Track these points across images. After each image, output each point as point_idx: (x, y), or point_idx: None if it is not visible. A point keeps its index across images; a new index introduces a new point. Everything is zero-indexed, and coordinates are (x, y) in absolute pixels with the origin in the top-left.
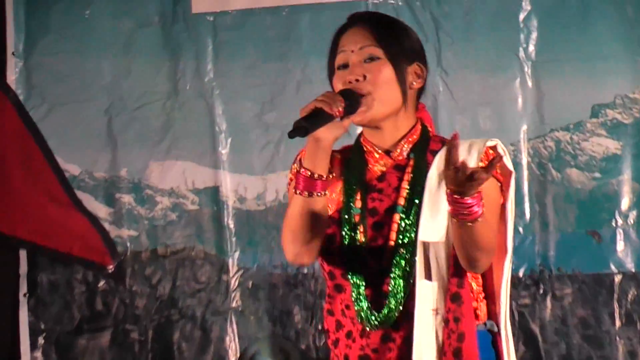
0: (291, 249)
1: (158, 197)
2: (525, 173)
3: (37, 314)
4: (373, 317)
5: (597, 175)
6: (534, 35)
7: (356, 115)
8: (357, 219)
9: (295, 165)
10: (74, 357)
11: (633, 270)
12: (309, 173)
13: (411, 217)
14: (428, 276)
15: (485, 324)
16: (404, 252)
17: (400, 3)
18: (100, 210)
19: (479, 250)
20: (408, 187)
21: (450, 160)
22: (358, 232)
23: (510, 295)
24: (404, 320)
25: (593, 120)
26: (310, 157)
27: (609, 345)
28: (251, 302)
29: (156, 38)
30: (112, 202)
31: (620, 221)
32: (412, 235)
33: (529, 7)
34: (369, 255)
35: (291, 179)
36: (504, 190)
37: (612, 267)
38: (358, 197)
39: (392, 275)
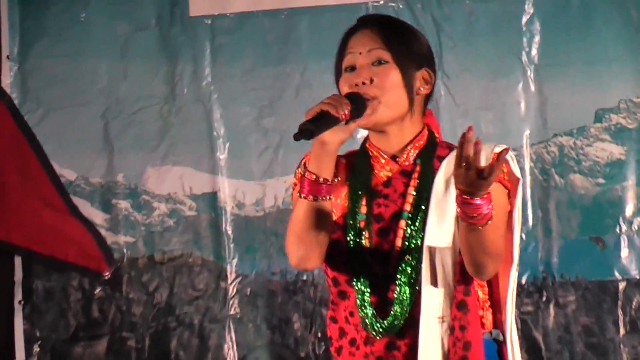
0: (295, 253)
1: (155, 203)
2: (528, 179)
3: (32, 321)
4: (378, 324)
5: (601, 180)
6: (537, 38)
7: (361, 118)
8: (362, 224)
9: (300, 169)
10: None
11: (637, 277)
12: (314, 177)
13: (417, 223)
14: (434, 282)
15: (491, 332)
16: (410, 258)
17: (401, 5)
18: (97, 216)
19: (486, 255)
20: (414, 193)
21: (461, 155)
22: (363, 237)
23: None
24: (409, 327)
25: (597, 125)
26: (316, 160)
27: (613, 353)
28: (249, 310)
29: (153, 41)
30: (109, 208)
31: (624, 227)
32: (418, 241)
33: (531, 10)
34: (374, 262)
35: (295, 184)
36: (511, 197)
37: (616, 273)
38: (363, 202)
39: (397, 281)
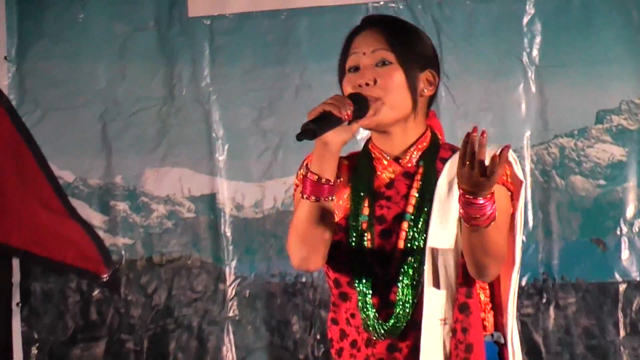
0: (297, 254)
1: (154, 204)
2: (529, 180)
3: (30, 323)
4: (380, 326)
5: (602, 182)
6: (538, 39)
7: (364, 119)
8: (364, 226)
9: (302, 170)
10: None
11: (638, 279)
12: (317, 177)
13: (419, 225)
14: (436, 284)
15: (492, 335)
16: (412, 260)
17: (401, 6)
18: (95, 218)
19: (488, 256)
20: (417, 195)
21: (465, 154)
22: (365, 239)
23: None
24: (411, 329)
25: (598, 126)
26: (318, 161)
27: (614, 355)
28: (248, 312)
29: (152, 42)
30: (107, 209)
31: (625, 229)
32: (421, 243)
33: (532, 11)
34: (376, 263)
35: (297, 185)
36: (513, 199)
37: (617, 275)
38: (366, 204)
39: (399, 283)
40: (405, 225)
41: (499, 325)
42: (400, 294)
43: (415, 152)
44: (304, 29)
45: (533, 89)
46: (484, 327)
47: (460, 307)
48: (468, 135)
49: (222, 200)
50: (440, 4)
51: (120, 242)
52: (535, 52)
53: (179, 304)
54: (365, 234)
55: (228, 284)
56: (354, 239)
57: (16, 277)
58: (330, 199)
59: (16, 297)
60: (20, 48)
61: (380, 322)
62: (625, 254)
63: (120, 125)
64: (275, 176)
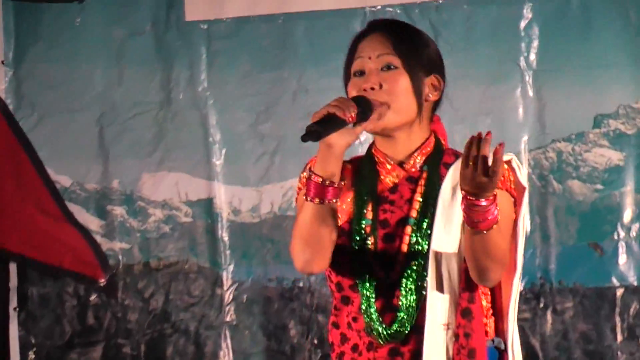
0: (301, 256)
1: (151, 209)
2: (526, 184)
3: (27, 328)
4: (384, 331)
5: (599, 186)
6: (535, 43)
7: (369, 123)
8: (367, 230)
9: (305, 173)
10: None
11: (635, 283)
12: (320, 179)
13: (423, 230)
14: (440, 288)
15: (493, 340)
16: (415, 264)
17: (398, 11)
18: (92, 222)
19: (490, 260)
20: (421, 200)
21: (468, 155)
22: (368, 243)
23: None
24: (413, 334)
25: (595, 130)
26: (322, 163)
27: None
28: (246, 317)
29: (149, 46)
30: (104, 214)
31: (622, 234)
32: (424, 248)
33: (530, 15)
34: (379, 267)
35: (299, 188)
36: (516, 206)
37: (614, 280)
38: (369, 208)
39: (402, 288)
40: (408, 229)
41: (500, 331)
42: (404, 298)
43: (419, 157)
44: (301, 33)
45: (530, 93)
46: (486, 333)
47: (462, 312)
48: (472, 138)
49: (219, 205)
50: (437, 8)
51: (117, 247)
52: (532, 56)
53: (176, 309)
54: (369, 238)
55: (225, 288)
56: (357, 243)
57: (13, 281)
58: (334, 201)
59: (13, 302)
60: (17, 52)
61: (384, 326)
62: (622, 258)
63: (117, 130)
64: (273, 181)
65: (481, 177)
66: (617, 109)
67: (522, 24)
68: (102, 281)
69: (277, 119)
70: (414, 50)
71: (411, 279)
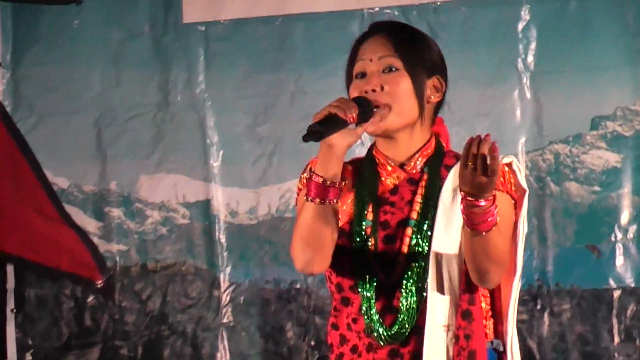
0: (301, 257)
1: (148, 211)
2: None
3: (24, 329)
4: (384, 332)
5: (597, 188)
6: (533, 45)
7: (370, 124)
8: (368, 231)
9: (305, 174)
10: None
11: (632, 285)
12: (322, 180)
13: (423, 231)
14: (440, 290)
15: (492, 342)
16: (416, 266)
17: (396, 12)
18: (89, 224)
19: (490, 261)
20: (421, 201)
21: (467, 155)
22: (369, 244)
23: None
24: (413, 335)
25: (593, 132)
26: (323, 163)
27: None
28: (243, 318)
29: (146, 48)
30: (102, 216)
31: (619, 235)
32: (424, 249)
33: (528, 17)
34: (379, 268)
35: (300, 189)
36: (516, 208)
37: (612, 282)
38: (370, 209)
39: (403, 289)
40: (409, 231)
41: (498, 333)
42: (404, 299)
43: (420, 159)
44: (299, 35)
45: (528, 95)
46: (485, 335)
47: (463, 314)
48: (471, 138)
49: (216, 207)
50: (435, 10)
51: (114, 249)
52: (530, 58)
53: (173, 311)
54: (369, 239)
55: (222, 290)
56: (357, 244)
57: (10, 283)
58: (334, 201)
59: (10, 303)
60: (15, 54)
61: (384, 327)
62: (619, 260)
63: (115, 132)
64: (270, 182)
65: (480, 176)
66: (614, 111)
67: (520, 25)
68: (100, 283)
69: (274, 120)
70: (416, 52)
71: (412, 281)
